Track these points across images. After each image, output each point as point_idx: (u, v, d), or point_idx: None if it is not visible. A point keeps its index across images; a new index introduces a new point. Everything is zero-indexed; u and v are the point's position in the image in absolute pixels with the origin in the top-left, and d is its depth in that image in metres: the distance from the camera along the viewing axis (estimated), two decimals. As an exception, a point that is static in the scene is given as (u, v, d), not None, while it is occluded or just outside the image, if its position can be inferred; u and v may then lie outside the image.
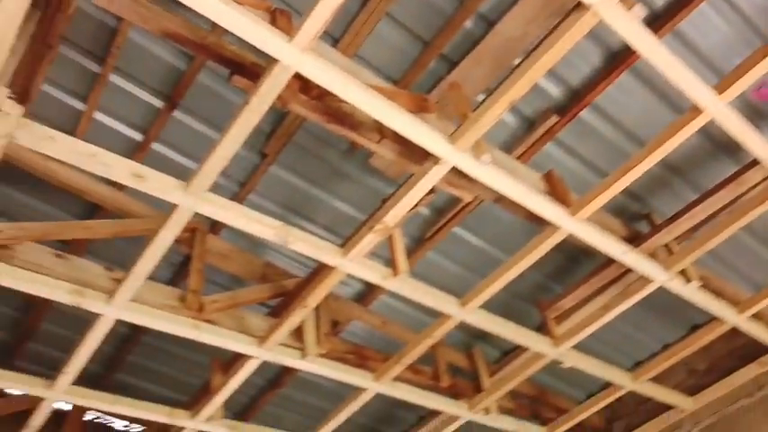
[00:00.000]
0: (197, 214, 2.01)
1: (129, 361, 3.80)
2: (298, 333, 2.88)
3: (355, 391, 3.12)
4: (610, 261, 2.92)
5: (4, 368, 2.67)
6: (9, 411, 3.39)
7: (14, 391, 3.52)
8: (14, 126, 1.67)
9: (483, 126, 1.91)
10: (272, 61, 1.68)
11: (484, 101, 1.93)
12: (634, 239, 2.69)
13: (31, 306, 3.44)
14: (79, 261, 2.43)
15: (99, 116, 2.73)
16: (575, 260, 3.27)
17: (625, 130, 2.72)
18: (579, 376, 3.86)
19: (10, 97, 1.60)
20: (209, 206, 2.07)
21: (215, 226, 3.12)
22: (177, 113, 2.73)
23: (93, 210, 2.99)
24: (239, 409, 4.11)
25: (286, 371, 3.84)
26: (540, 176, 2.47)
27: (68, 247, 2.91)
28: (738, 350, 3.44)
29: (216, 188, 2.03)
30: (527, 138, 2.63)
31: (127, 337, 3.68)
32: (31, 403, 3.14)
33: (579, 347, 3.11)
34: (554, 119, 2.55)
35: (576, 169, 2.84)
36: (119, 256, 3.01)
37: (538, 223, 2.51)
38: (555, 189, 2.40)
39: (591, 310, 2.93)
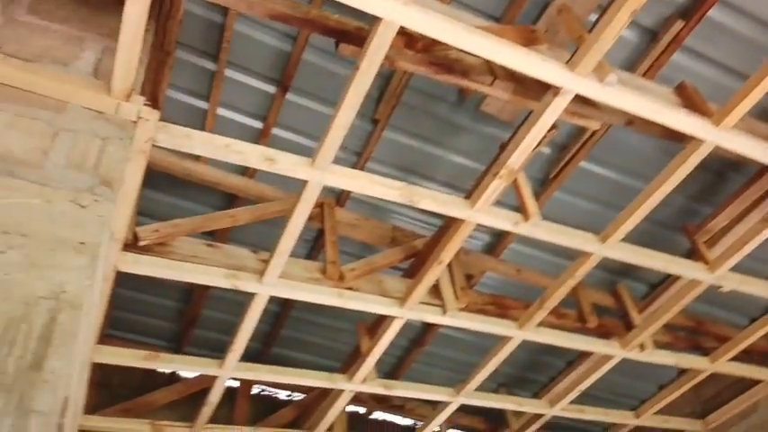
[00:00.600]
0: (324, 188, 2.08)
1: (283, 335, 4.06)
2: (435, 291, 2.92)
3: (500, 340, 3.12)
4: (761, 172, 2.66)
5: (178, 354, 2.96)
6: (186, 393, 3.77)
7: (188, 373, 3.93)
8: (154, 130, 1.81)
9: (604, 45, 1.79)
10: (375, 21, 1.67)
11: (599, 18, 1.80)
12: (789, 142, 2.40)
13: (191, 295, 3.77)
14: (228, 248, 2.62)
15: (221, 111, 2.89)
16: (720, 177, 3.01)
17: (763, 22, 2.42)
18: (738, 300, 3.60)
19: (146, 104, 1.72)
20: (335, 177, 2.12)
21: (340, 199, 3.23)
22: (290, 96, 2.82)
23: (229, 200, 3.19)
24: (389, 370, 4.27)
25: (427, 329, 3.93)
26: (672, 90, 2.28)
27: (214, 237, 3.14)
28: None
29: (336, 162, 2.08)
30: (651, 51, 2.43)
31: (277, 314, 3.93)
32: (204, 383, 3.48)
33: (737, 269, 2.88)
34: (679, 24, 2.33)
35: (711, 76, 2.59)
36: (259, 239, 3.20)
37: (676, 141, 2.33)
38: (691, 101, 2.20)
39: (747, 227, 2.68)
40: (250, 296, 2.58)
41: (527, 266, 3.40)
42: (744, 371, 3.51)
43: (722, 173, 2.98)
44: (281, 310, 3.89)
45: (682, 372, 3.64)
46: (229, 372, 2.93)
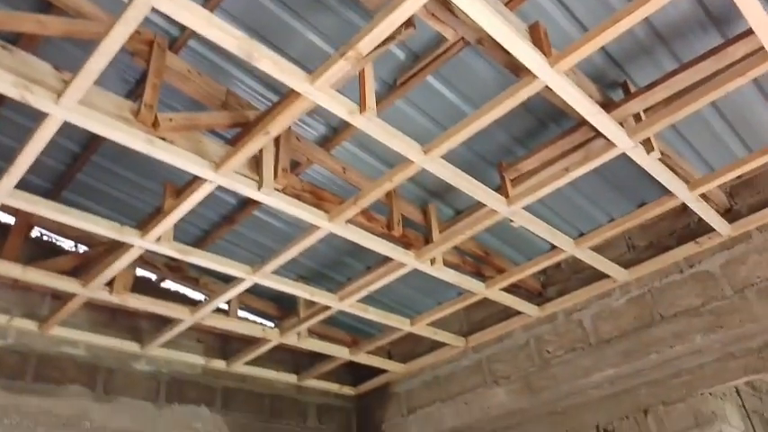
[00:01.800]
0: (158, 27, 1.84)
1: (79, 180, 3.69)
2: (256, 166, 2.83)
3: (308, 230, 3.15)
4: (577, 126, 2.92)
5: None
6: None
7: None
8: None
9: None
10: None
11: None
12: (607, 106, 2.66)
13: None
14: (28, 57, 2.25)
15: None
16: (542, 124, 3.25)
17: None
18: (525, 242, 4.02)
19: None
20: (167, 3, 1.89)
21: (175, 44, 2.92)
22: None
23: (46, 8, 2.72)
24: (191, 242, 4.13)
25: (240, 208, 3.84)
26: (527, 27, 2.36)
27: (17, 42, 2.67)
28: (680, 230, 3.61)
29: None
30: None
31: (76, 155, 3.54)
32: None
33: (530, 210, 3.19)
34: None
35: (565, 26, 2.72)
36: (70, 61, 2.80)
37: (516, 74, 2.44)
38: (538, 41, 2.31)
39: (549, 174, 2.96)
40: (42, 117, 2.26)
41: (354, 167, 3.43)
42: (510, 301, 3.98)
43: (544, 121, 3.22)
44: (81, 151, 3.51)
45: (459, 294, 4.03)
46: (1, 197, 2.59)
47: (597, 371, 3.77)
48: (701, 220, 3.30)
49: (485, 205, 3.07)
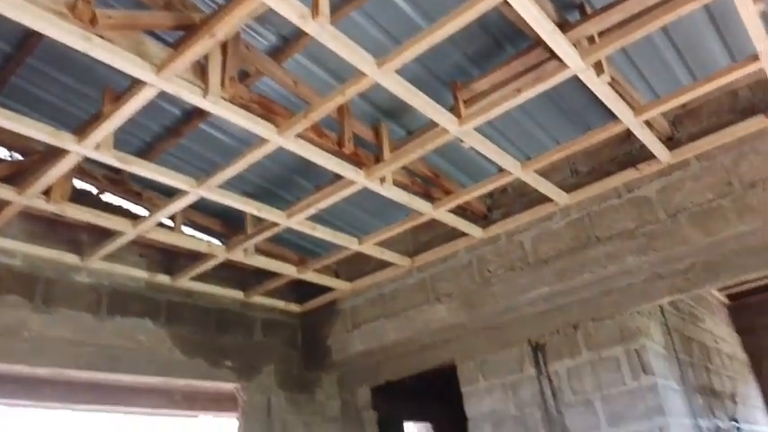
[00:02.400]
0: None
1: (13, 84, 3.44)
2: (202, 73, 2.71)
3: (257, 143, 3.08)
4: (531, 47, 2.90)
5: None
6: None
7: None
8: None
9: None
10: None
11: None
12: (562, 26, 2.65)
13: None
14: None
15: None
16: (499, 45, 3.22)
17: None
18: (473, 165, 4.07)
19: None
20: None
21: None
22: None
23: None
24: (133, 153, 3.97)
25: (185, 120, 3.70)
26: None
27: None
28: (622, 157, 3.72)
29: None
30: None
31: (10, 56, 3.29)
32: None
33: (481, 132, 3.21)
34: None
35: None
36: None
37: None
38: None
39: (501, 95, 2.96)
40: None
41: (305, 81, 3.33)
42: (456, 223, 4.06)
43: (500, 42, 3.18)
44: (15, 52, 3.26)
45: (407, 215, 4.08)
46: None
47: (533, 289, 3.95)
48: (642, 147, 3.41)
49: (437, 125, 3.06)
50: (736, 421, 4.75)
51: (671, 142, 3.51)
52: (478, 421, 4.08)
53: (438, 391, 5.04)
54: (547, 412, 3.79)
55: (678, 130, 3.55)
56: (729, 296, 6.42)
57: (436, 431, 6.32)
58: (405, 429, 5.90)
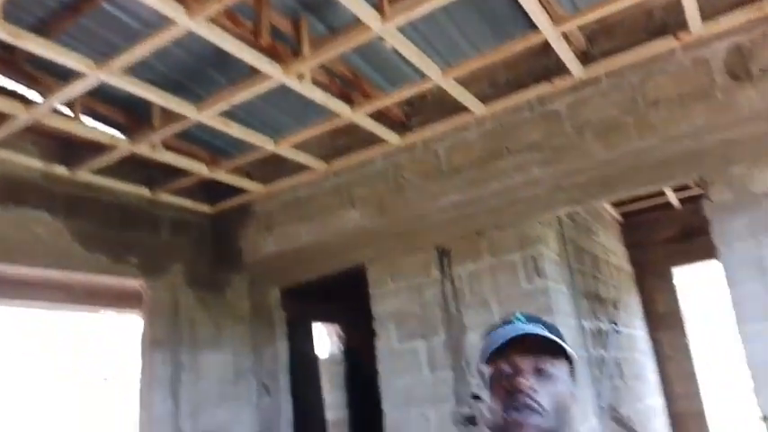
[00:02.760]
0: None
1: None
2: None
3: (165, 25, 2.86)
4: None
5: None
6: None
7: None
8: None
9: None
10: None
11: None
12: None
13: None
14: None
15: None
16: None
17: None
18: (394, 69, 4.00)
19: None
20: None
21: None
22: None
23: None
24: (25, 29, 3.59)
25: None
26: None
27: None
28: (538, 70, 3.79)
29: None
30: None
31: None
32: None
33: (404, 34, 3.14)
34: None
35: None
36: None
37: None
38: None
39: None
40: None
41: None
42: (374, 128, 4.04)
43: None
44: None
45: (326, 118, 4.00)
46: None
47: (444, 196, 4.07)
48: (558, 61, 3.48)
49: (360, 22, 2.96)
50: (616, 324, 5.25)
51: (585, 57, 3.60)
52: (384, 320, 4.27)
53: (346, 295, 5.20)
54: (447, 311, 4.02)
55: (593, 47, 3.64)
56: (623, 214, 6.90)
57: (343, 332, 6.58)
58: (313, 330, 6.09)
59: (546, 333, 1.06)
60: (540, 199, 3.85)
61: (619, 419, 4.37)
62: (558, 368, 1.05)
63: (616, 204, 6.51)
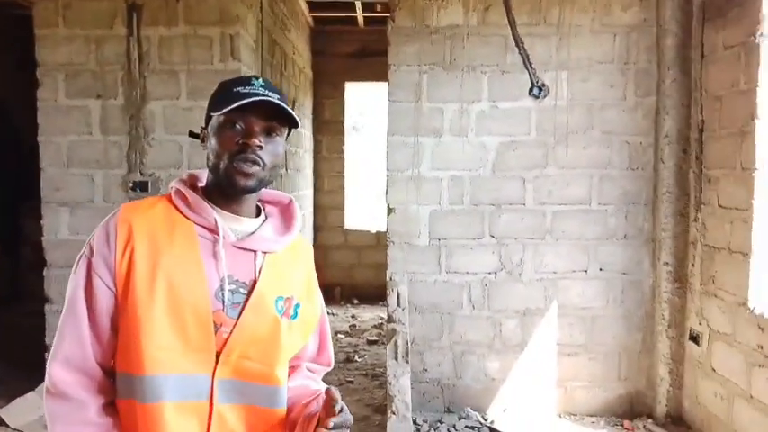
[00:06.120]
0: None
1: None
2: None
3: None
4: None
5: None
6: None
7: None
8: None
9: None
10: None
11: None
12: None
13: None
14: None
15: None
16: None
17: None
18: None
19: None
20: None
21: None
22: None
23: None
24: None
25: None
26: None
27: None
28: None
29: None
30: None
31: None
32: None
33: None
34: None
35: None
36: None
37: None
38: None
39: None
40: None
41: None
42: None
43: None
44: None
45: None
46: None
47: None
48: None
49: None
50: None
51: None
52: (51, 70, 3.75)
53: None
54: (129, 73, 3.75)
55: None
56: (314, 19, 7.13)
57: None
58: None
59: (282, 103, 1.14)
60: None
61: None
62: (281, 132, 1.19)
63: (311, 8, 6.67)
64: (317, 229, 7.62)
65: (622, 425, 3.80)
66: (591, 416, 3.91)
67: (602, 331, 3.91)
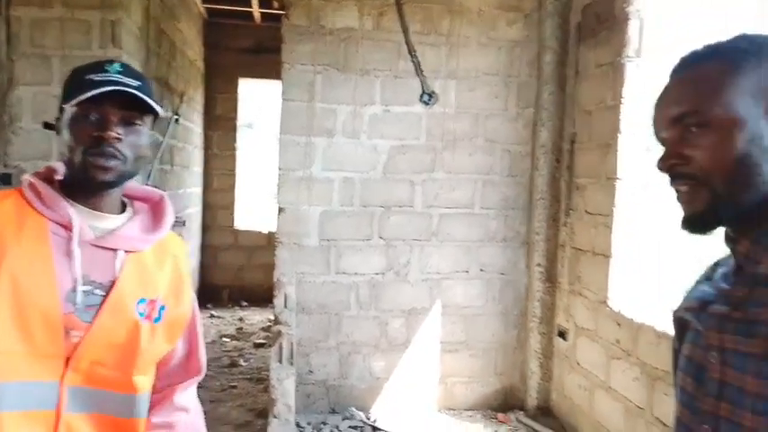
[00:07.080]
0: None
1: None
2: None
3: None
4: None
5: None
6: None
7: None
8: None
9: None
10: None
11: None
12: None
13: None
14: None
15: None
16: None
17: None
18: None
19: None
20: None
21: None
22: None
23: None
24: None
25: None
26: None
27: None
28: None
29: None
30: None
31: None
32: None
33: None
34: None
35: None
36: None
37: None
38: None
39: None
40: None
41: None
42: None
43: None
44: None
45: None
46: None
47: None
48: None
49: None
50: (178, 114, 5.45)
51: None
52: None
53: None
54: (-5, 55, 3.44)
55: None
56: (207, 11, 6.90)
57: None
58: None
59: (140, 93, 1.06)
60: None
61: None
62: (143, 121, 1.10)
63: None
64: (205, 228, 7.37)
65: (496, 418, 4.01)
66: (469, 410, 4.10)
67: (482, 329, 4.11)
